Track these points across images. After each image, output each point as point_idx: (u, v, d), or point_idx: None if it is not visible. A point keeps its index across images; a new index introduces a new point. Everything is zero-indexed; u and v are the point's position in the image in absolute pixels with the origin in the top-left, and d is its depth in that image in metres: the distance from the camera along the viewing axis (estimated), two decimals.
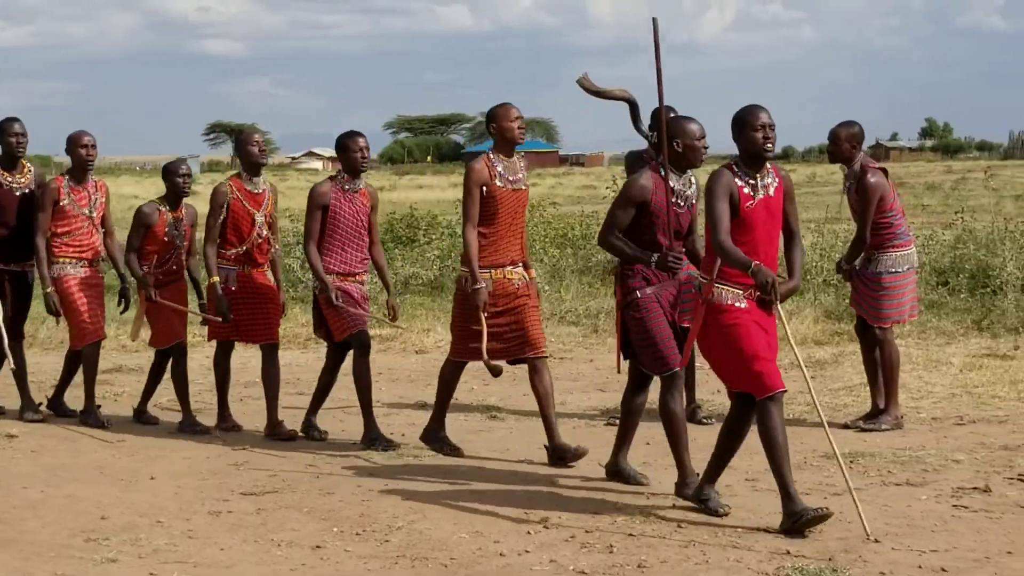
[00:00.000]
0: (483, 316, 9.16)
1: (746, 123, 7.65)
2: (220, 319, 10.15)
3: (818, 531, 7.51)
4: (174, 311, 10.53)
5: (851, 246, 10.60)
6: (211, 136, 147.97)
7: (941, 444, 9.63)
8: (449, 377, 9.64)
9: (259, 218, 10.21)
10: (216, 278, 10.08)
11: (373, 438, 9.78)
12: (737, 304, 7.62)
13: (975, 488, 8.44)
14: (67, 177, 10.67)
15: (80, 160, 10.66)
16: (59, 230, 10.56)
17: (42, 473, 9.07)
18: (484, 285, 9.13)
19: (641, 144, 10.45)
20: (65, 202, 10.54)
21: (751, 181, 7.61)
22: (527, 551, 7.24)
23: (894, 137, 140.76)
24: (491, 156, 9.29)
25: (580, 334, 15.76)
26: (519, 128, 9.35)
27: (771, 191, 7.68)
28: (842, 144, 10.38)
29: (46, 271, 10.50)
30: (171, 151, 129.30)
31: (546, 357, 9.42)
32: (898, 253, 10.29)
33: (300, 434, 10.15)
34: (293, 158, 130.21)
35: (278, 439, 10.05)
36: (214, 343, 10.79)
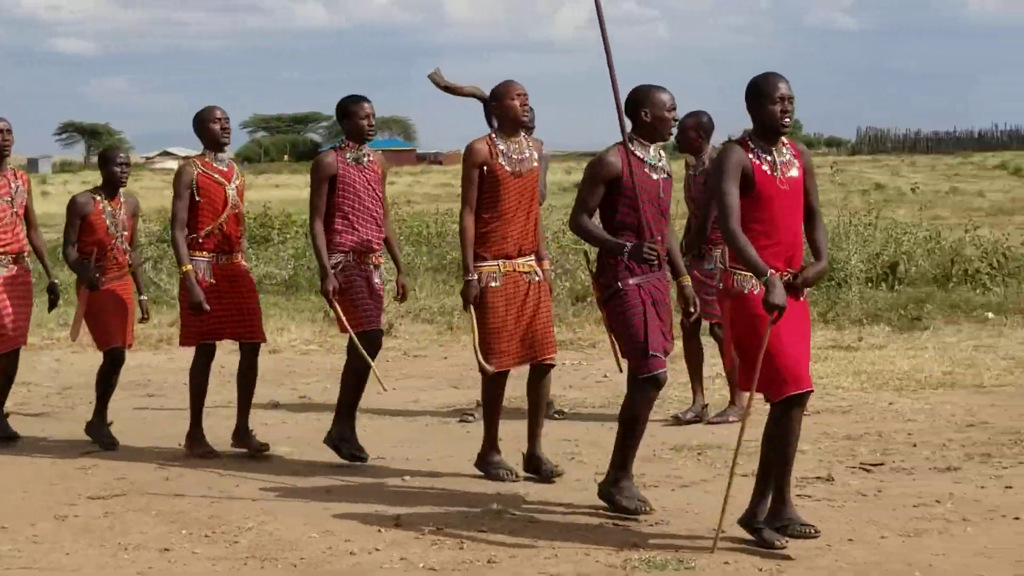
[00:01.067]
0: (472, 312, 8.51)
1: (764, 94, 6.97)
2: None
3: (666, 523, 7.59)
4: (114, 311, 9.86)
5: (692, 237, 10.41)
6: (63, 136, 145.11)
7: None
8: (492, 396, 8.69)
9: (231, 191, 9.42)
10: (188, 266, 9.23)
11: (343, 438, 9.14)
12: (759, 291, 6.85)
13: (818, 477, 8.57)
14: None
15: None
16: None
17: None
18: (475, 278, 8.42)
19: None
20: None
21: (767, 157, 6.95)
22: (377, 549, 7.19)
23: None
24: (494, 136, 8.57)
25: (434, 331, 15.77)
26: (522, 105, 8.55)
27: (790, 168, 7.00)
28: (689, 134, 10.29)
29: None
30: (23, 151, 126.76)
31: (554, 364, 8.71)
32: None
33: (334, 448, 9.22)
34: (147, 158, 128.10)
35: (248, 449, 9.46)
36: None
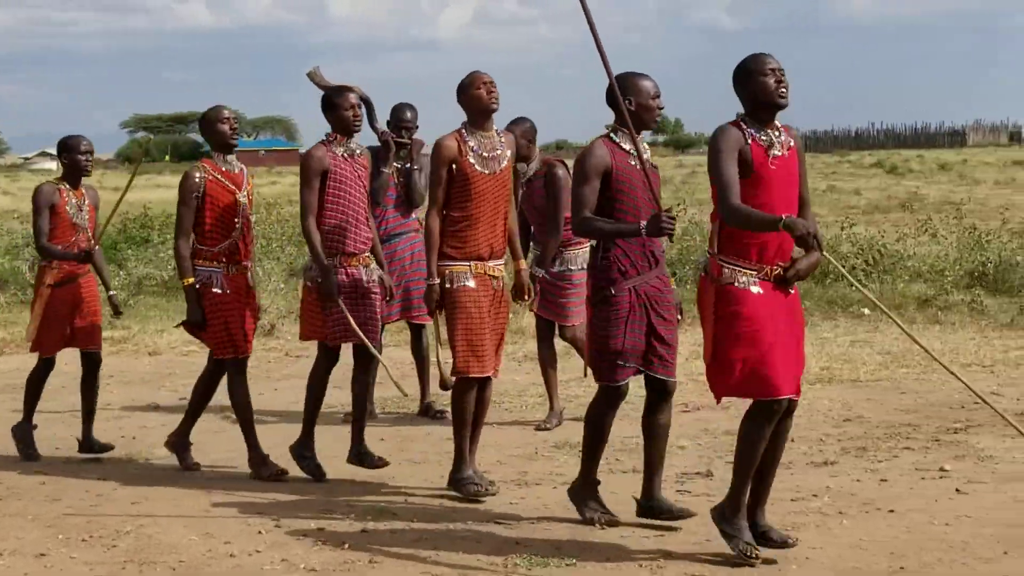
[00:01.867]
0: (437, 317, 8.04)
1: (752, 70, 6.54)
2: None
3: (547, 522, 7.62)
4: (80, 313, 9.31)
5: (545, 247, 10.06)
6: None
7: None
8: (465, 404, 8.07)
9: (242, 199, 8.73)
10: (191, 279, 8.63)
11: (361, 453, 8.70)
12: (750, 288, 6.52)
13: (698, 473, 8.65)
14: None
15: None
16: None
17: None
18: (437, 282, 7.89)
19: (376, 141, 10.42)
20: None
21: (763, 137, 6.56)
22: (258, 551, 7.14)
23: None
24: (463, 131, 7.95)
25: None
26: (489, 93, 7.93)
27: (785, 149, 6.61)
28: (519, 141, 9.73)
29: None
30: None
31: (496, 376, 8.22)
32: (582, 249, 9.96)
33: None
34: (25, 159, 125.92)
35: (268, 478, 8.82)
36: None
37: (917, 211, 29.61)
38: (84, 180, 9.48)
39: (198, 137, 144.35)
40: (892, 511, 7.70)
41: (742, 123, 6.61)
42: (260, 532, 7.48)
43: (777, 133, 6.63)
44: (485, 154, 7.96)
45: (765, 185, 6.50)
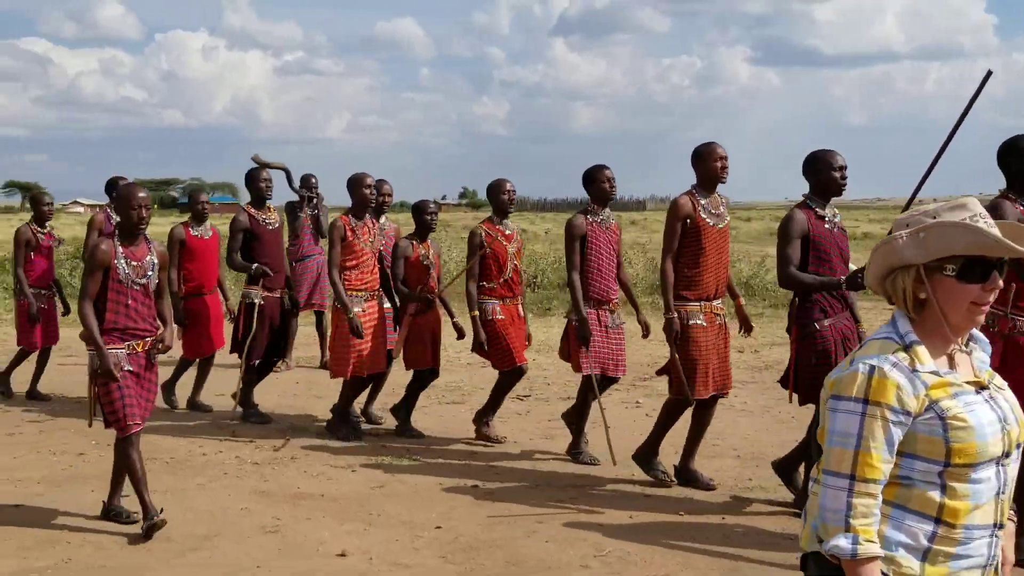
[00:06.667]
0: (673, 347, 6.05)
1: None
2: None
3: (399, 438, 7.46)
4: (426, 333, 7.55)
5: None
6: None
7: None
8: (672, 417, 6.35)
9: (511, 250, 7.23)
10: (476, 312, 7.14)
11: (578, 450, 6.95)
12: None
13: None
14: (350, 216, 7.50)
15: (364, 200, 7.47)
16: (348, 264, 7.42)
17: None
18: (676, 316, 6.04)
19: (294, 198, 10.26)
20: (352, 239, 7.43)
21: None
22: (220, 452, 6.89)
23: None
24: (695, 192, 6.11)
25: None
26: (723, 169, 6.11)
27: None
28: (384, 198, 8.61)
29: (346, 299, 7.27)
30: None
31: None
32: None
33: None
34: (63, 204, 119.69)
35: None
36: None
37: None
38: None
39: (175, 193, 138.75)
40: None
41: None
42: (222, 439, 7.25)
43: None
44: (713, 211, 6.14)
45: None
